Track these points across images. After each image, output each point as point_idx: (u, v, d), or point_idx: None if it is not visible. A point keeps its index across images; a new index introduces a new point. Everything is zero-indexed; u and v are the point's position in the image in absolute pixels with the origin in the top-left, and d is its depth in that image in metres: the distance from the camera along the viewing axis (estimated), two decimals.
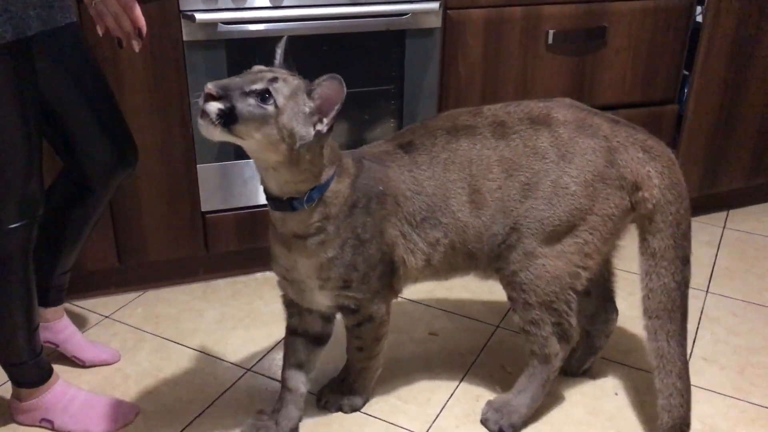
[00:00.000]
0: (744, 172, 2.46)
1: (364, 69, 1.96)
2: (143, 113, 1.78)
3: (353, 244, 1.36)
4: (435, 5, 1.89)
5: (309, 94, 1.22)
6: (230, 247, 2.02)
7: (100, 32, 1.33)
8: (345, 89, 1.20)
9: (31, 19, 1.22)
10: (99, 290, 2.00)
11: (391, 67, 1.98)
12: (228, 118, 1.15)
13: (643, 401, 1.64)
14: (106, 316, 1.92)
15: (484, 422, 1.56)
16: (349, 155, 1.39)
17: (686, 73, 2.28)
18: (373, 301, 1.45)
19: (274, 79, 1.19)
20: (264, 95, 1.17)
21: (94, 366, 1.72)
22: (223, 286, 2.08)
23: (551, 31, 2.04)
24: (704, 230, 2.45)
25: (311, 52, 1.89)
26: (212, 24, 1.74)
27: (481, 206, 1.43)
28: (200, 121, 1.16)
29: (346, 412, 1.60)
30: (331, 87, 1.21)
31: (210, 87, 1.14)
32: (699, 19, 2.22)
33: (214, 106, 1.14)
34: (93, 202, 1.56)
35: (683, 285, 1.51)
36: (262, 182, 1.31)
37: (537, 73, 2.09)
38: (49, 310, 1.65)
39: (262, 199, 1.98)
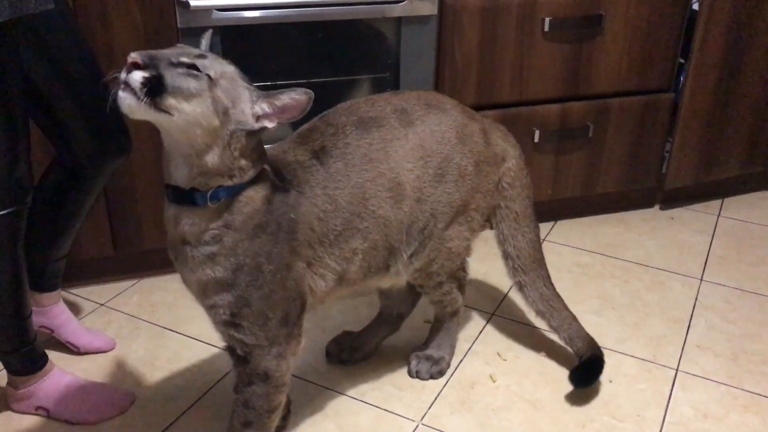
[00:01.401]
0: (739, 160, 2.46)
1: (359, 56, 1.95)
2: None
3: (250, 273, 1.18)
4: None
5: (271, 96, 1.13)
6: None
7: None
8: (309, 106, 1.12)
9: (2, 6, 1.19)
10: (94, 278, 2.00)
11: (386, 55, 1.97)
12: (155, 89, 1.02)
13: (637, 388, 1.65)
14: (102, 304, 1.92)
15: (416, 374, 1.66)
16: (269, 168, 1.23)
17: (682, 61, 2.27)
18: (270, 352, 1.24)
19: (202, 56, 1.09)
20: (194, 67, 1.06)
21: (89, 353, 1.72)
22: None
23: (547, 19, 2.03)
24: (699, 218, 2.45)
25: (307, 39, 1.88)
26: (207, 10, 1.73)
27: (402, 198, 1.38)
28: (121, 94, 1.02)
29: None
30: (295, 103, 1.12)
31: (134, 55, 1.01)
32: (695, 6, 2.21)
33: (138, 75, 1.01)
34: (87, 188, 1.55)
35: (539, 236, 1.70)
36: (166, 170, 1.16)
37: (533, 61, 2.08)
38: (45, 296, 1.65)
39: None
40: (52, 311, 1.68)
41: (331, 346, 1.73)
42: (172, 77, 1.03)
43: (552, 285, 1.69)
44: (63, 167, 1.54)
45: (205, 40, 1.21)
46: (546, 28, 2.04)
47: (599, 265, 2.15)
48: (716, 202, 2.56)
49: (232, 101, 1.10)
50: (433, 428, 1.53)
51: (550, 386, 1.66)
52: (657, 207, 2.51)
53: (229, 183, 1.15)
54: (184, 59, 1.06)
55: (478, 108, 2.08)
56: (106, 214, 1.87)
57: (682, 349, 1.79)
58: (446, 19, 1.95)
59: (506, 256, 1.67)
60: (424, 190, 1.41)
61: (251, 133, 1.14)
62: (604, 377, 1.68)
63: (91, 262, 1.95)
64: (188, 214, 1.15)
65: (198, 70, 1.06)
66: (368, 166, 1.34)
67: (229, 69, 1.13)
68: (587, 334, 1.67)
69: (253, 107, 1.13)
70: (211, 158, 1.11)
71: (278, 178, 1.23)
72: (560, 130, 2.20)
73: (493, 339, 1.82)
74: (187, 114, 1.06)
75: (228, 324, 1.23)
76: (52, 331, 1.69)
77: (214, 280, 1.19)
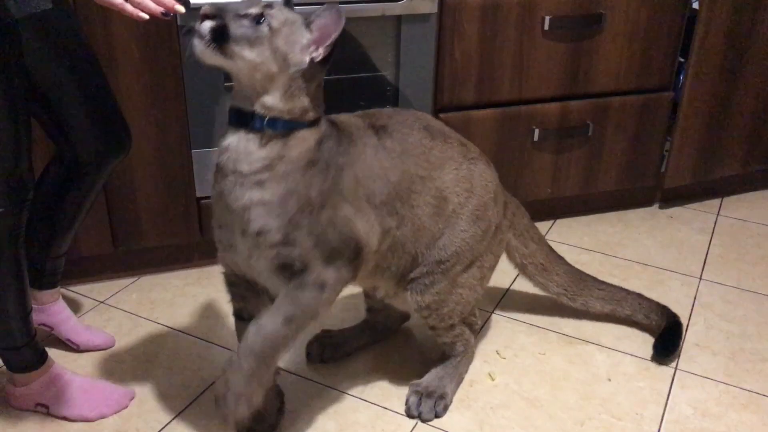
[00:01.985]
0: (739, 159, 2.46)
1: (359, 55, 1.95)
2: (138, 98, 1.78)
3: (300, 201, 1.23)
4: None
5: (307, 25, 1.20)
6: None
7: (143, 17, 1.20)
8: (343, 20, 1.17)
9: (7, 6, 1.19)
10: (94, 276, 2.00)
11: (386, 53, 1.97)
12: (220, 37, 1.14)
13: (635, 386, 1.66)
14: (101, 302, 1.93)
15: (419, 415, 1.53)
16: (327, 120, 1.32)
17: (682, 60, 2.27)
18: (328, 268, 1.27)
19: (270, 5, 1.19)
20: (258, 19, 1.16)
21: (89, 350, 1.72)
22: (217, 271, 2.05)
23: (547, 17, 2.03)
24: (698, 217, 2.46)
25: None
26: None
27: (441, 214, 1.42)
28: (194, 41, 1.15)
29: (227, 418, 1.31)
30: (328, 17, 1.19)
31: (205, 7, 1.14)
32: (695, 6, 2.21)
33: (207, 24, 1.14)
34: (86, 186, 1.55)
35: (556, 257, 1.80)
36: (234, 102, 1.24)
37: (533, 60, 2.08)
38: (44, 293, 1.65)
39: None
40: (52, 309, 1.68)
41: (312, 347, 1.71)
42: (236, 27, 1.14)
43: (602, 283, 1.83)
44: (63, 165, 1.54)
45: None
46: (546, 27, 2.04)
47: (598, 264, 2.15)
48: (715, 201, 2.56)
49: (292, 46, 1.18)
50: (432, 426, 1.54)
51: (548, 384, 1.66)
52: (656, 206, 2.52)
53: (293, 118, 1.22)
54: (251, 11, 1.16)
55: (477, 107, 2.10)
56: (105, 211, 1.87)
57: (681, 348, 1.79)
58: (446, 17, 1.95)
59: (551, 292, 1.79)
60: (460, 223, 1.44)
61: (310, 75, 1.21)
62: (602, 375, 1.69)
63: (91, 259, 1.95)
64: (245, 141, 1.21)
65: (264, 17, 1.16)
66: (423, 164, 1.40)
67: (292, 16, 1.20)
68: (657, 304, 1.80)
69: (308, 48, 1.20)
70: (272, 98, 1.20)
71: (333, 128, 1.31)
72: (560, 129, 2.20)
73: (492, 337, 1.82)
74: (247, 60, 1.16)
75: (281, 244, 1.23)
76: (52, 328, 1.69)
77: (261, 202, 1.22)
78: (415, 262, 1.45)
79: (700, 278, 2.10)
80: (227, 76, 1.83)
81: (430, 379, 1.60)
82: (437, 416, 1.55)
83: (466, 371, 1.66)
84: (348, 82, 1.97)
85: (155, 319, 1.86)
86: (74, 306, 1.90)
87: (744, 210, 2.51)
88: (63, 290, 1.93)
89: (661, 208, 2.51)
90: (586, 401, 1.61)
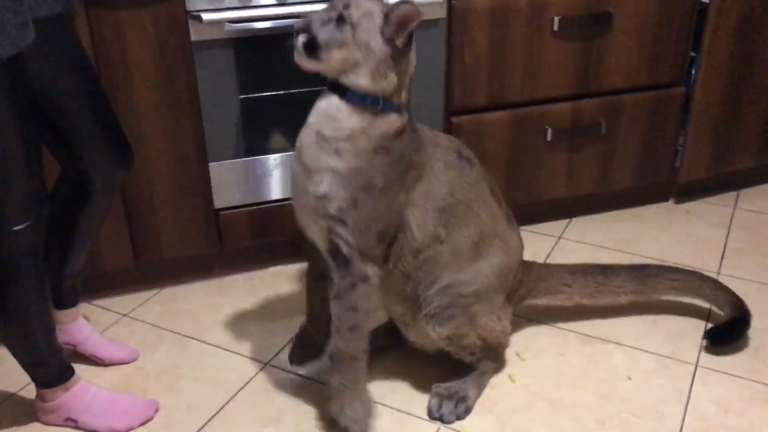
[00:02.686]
0: (753, 151, 2.45)
1: None
2: (154, 113, 1.80)
3: (366, 179, 1.35)
4: None
5: (386, 16, 1.30)
6: (244, 242, 2.04)
7: None
8: (419, 11, 1.28)
9: (18, 36, 1.22)
10: (116, 289, 2.03)
11: None
12: (312, 47, 1.31)
13: (656, 384, 1.66)
14: (125, 315, 1.96)
15: (440, 417, 1.56)
16: (409, 117, 1.43)
17: (693, 54, 2.27)
18: (367, 261, 1.40)
19: (347, 6, 1.31)
20: (339, 20, 1.29)
21: (113, 364, 1.75)
22: (238, 281, 2.11)
23: (556, 18, 2.03)
24: (714, 211, 2.45)
25: None
26: (219, 23, 1.76)
27: (476, 252, 1.52)
28: (294, 54, 1.33)
29: (350, 429, 1.50)
30: (405, 9, 1.28)
31: (297, 25, 1.33)
32: (705, 0, 2.21)
33: (300, 39, 1.32)
34: (94, 204, 1.57)
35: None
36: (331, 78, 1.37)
37: (543, 60, 2.09)
38: (64, 312, 1.68)
39: (274, 195, 2.01)
40: (73, 328, 1.70)
41: (293, 352, 1.72)
42: (323, 35, 1.30)
43: (669, 270, 1.86)
44: (70, 185, 1.55)
45: None
46: (555, 27, 2.04)
47: (616, 261, 2.14)
48: (731, 194, 2.55)
49: (373, 36, 1.30)
50: (454, 430, 1.55)
51: (569, 385, 1.67)
52: (672, 201, 2.51)
53: (385, 96, 1.34)
54: (332, 15, 1.30)
55: (489, 109, 2.10)
56: (126, 225, 1.90)
57: (701, 344, 1.79)
58: (455, 22, 1.96)
59: (624, 301, 1.84)
60: (486, 268, 1.53)
61: (395, 57, 1.32)
62: (622, 374, 1.69)
63: (113, 273, 1.98)
64: (336, 108, 1.34)
65: (344, 18, 1.29)
66: (483, 207, 1.53)
67: (369, 6, 1.31)
68: (734, 296, 1.81)
69: (388, 34, 1.31)
70: (364, 81, 1.32)
71: (412, 129, 1.42)
72: (572, 128, 2.20)
73: (512, 339, 1.83)
74: (337, 59, 1.31)
75: (335, 219, 1.36)
76: (75, 347, 1.72)
77: (332, 170, 1.34)
78: (434, 289, 1.50)
79: (719, 273, 2.09)
80: (241, 89, 1.86)
81: (453, 382, 1.62)
82: (458, 418, 1.57)
83: (490, 378, 1.67)
84: None
85: (178, 330, 1.89)
86: (98, 319, 1.93)
87: (761, 202, 2.50)
88: (86, 304, 1.97)
89: (676, 203, 2.51)
90: (606, 400, 1.62)
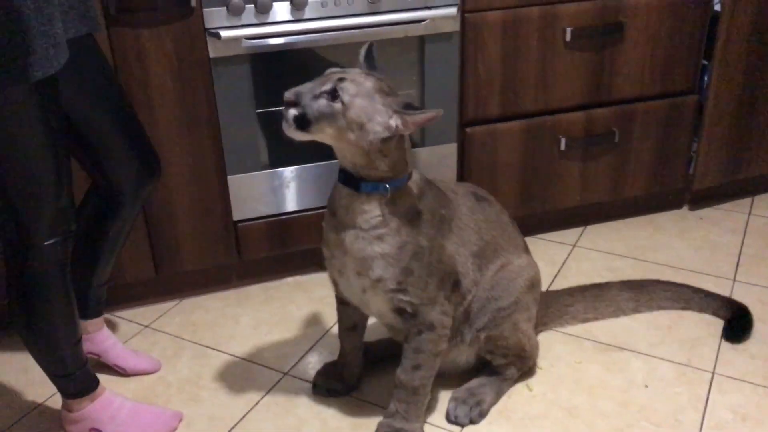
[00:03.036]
0: (767, 157, 2.45)
1: (384, 74, 1.99)
2: (174, 128, 1.84)
3: (412, 250, 1.40)
4: (452, 10, 1.92)
5: (406, 114, 1.30)
6: (262, 254, 2.07)
7: None
8: (439, 114, 1.31)
9: (52, 57, 1.24)
10: (138, 301, 2.07)
11: (411, 72, 2.01)
12: (302, 121, 1.30)
13: (673, 392, 1.67)
14: (146, 326, 1.99)
15: (455, 419, 1.60)
16: (417, 172, 1.47)
17: (705, 62, 2.28)
18: (434, 308, 1.46)
19: (342, 79, 1.31)
20: (333, 94, 1.29)
21: (136, 374, 1.78)
22: (256, 292, 2.14)
23: (569, 29, 2.05)
24: (729, 217, 2.45)
25: (334, 61, 1.93)
26: (237, 40, 1.79)
27: (501, 272, 1.57)
28: (283, 125, 1.32)
29: None
30: (429, 119, 1.31)
31: (287, 95, 1.31)
32: (717, 8, 2.22)
33: (290, 113, 1.31)
34: (124, 214, 1.61)
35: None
36: (340, 163, 1.40)
37: (556, 71, 2.11)
38: (90, 322, 1.71)
39: (291, 207, 2.04)
40: (98, 337, 1.74)
41: (317, 378, 1.74)
42: (313, 110, 1.29)
43: (665, 283, 1.97)
44: (99, 196, 1.60)
45: (363, 51, 1.44)
46: (567, 38, 2.06)
47: (630, 269, 2.16)
48: (746, 201, 2.55)
49: (368, 117, 1.30)
50: None
51: (586, 393, 1.68)
52: (686, 208, 2.52)
53: (391, 177, 1.37)
54: (325, 88, 1.29)
55: (503, 119, 2.12)
56: (146, 238, 1.94)
57: (718, 351, 1.80)
58: (468, 35, 1.99)
59: (626, 312, 1.95)
60: (516, 282, 1.59)
61: (391, 138, 1.33)
62: (639, 382, 1.70)
63: (134, 285, 2.02)
64: (358, 202, 1.38)
65: (337, 92, 1.28)
66: (504, 242, 1.59)
67: (367, 86, 1.32)
68: (727, 300, 1.92)
69: (388, 120, 1.32)
70: (360, 160, 1.35)
71: (429, 183, 1.48)
72: (586, 137, 2.22)
73: None
74: (327, 134, 1.32)
75: (395, 291, 1.43)
76: (99, 356, 1.75)
77: (381, 255, 1.40)
78: (470, 319, 1.57)
79: (734, 279, 2.10)
80: (258, 103, 1.89)
81: (470, 385, 1.65)
82: (472, 422, 1.60)
83: (509, 387, 1.69)
84: None
85: (198, 341, 1.92)
86: (120, 331, 1.97)
87: None
88: (109, 316, 2.01)
89: (691, 209, 2.51)
90: (623, 408, 1.63)
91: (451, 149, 2.13)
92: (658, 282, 1.98)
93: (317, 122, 1.30)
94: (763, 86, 2.31)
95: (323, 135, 1.33)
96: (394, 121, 1.31)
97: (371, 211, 1.38)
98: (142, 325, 1.99)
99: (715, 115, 2.29)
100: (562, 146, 2.20)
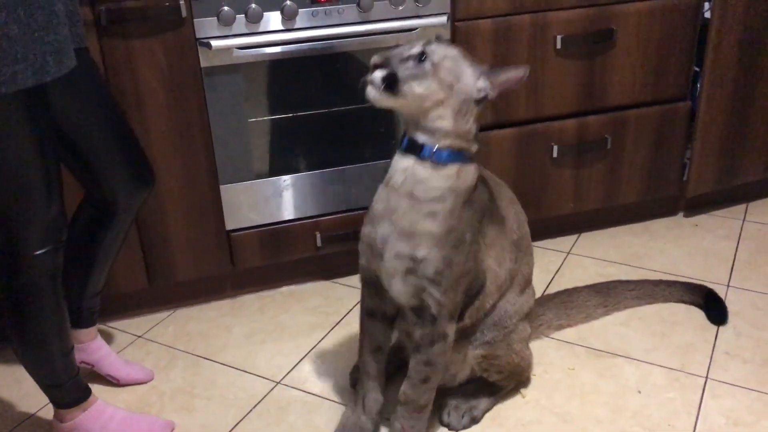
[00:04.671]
0: (761, 163, 2.46)
1: None
2: (166, 138, 1.85)
3: (457, 237, 1.35)
4: (443, 19, 1.93)
5: (492, 74, 1.31)
6: (255, 263, 2.07)
7: None
8: (526, 77, 1.33)
9: (48, 65, 1.25)
10: (131, 311, 2.07)
11: None
12: (391, 82, 1.28)
13: (666, 398, 1.66)
14: (139, 336, 1.99)
15: (448, 425, 1.60)
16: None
17: (697, 69, 2.29)
18: (451, 319, 1.42)
19: (429, 42, 1.32)
20: (421, 57, 1.29)
21: (129, 384, 1.78)
22: (250, 301, 2.14)
23: (559, 36, 2.06)
24: (723, 224, 2.45)
25: (325, 70, 1.94)
26: (228, 50, 1.80)
27: (527, 284, 1.60)
28: (368, 89, 1.30)
29: None
30: (515, 77, 1.32)
31: (374, 58, 1.31)
32: (707, 14, 2.23)
33: (378, 74, 1.29)
34: (117, 224, 1.62)
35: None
36: (408, 131, 1.37)
37: (547, 79, 2.12)
38: (83, 332, 1.71)
39: (284, 216, 2.04)
40: (91, 346, 1.74)
41: (355, 374, 1.74)
42: (403, 70, 1.29)
43: (629, 282, 2.02)
44: (93, 206, 1.60)
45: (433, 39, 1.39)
46: (558, 46, 2.07)
47: (624, 276, 2.16)
48: (740, 207, 2.56)
49: (457, 77, 1.30)
50: None
51: (579, 399, 1.68)
52: (680, 215, 2.52)
53: (464, 146, 1.34)
54: (414, 51, 1.30)
55: (495, 127, 2.13)
56: (139, 248, 1.94)
57: (711, 357, 1.80)
58: (459, 42, 1.99)
59: (597, 316, 1.96)
60: (527, 298, 1.59)
61: (479, 102, 1.33)
62: (632, 388, 1.70)
63: (128, 295, 2.02)
64: (421, 168, 1.33)
65: (426, 54, 1.28)
66: (527, 240, 1.59)
67: (453, 52, 1.32)
68: (687, 286, 2.00)
69: (476, 82, 1.32)
70: (446, 123, 1.32)
71: (481, 175, 1.44)
72: (578, 144, 2.22)
73: None
74: (417, 95, 1.29)
75: (430, 281, 1.36)
76: (93, 365, 1.75)
77: (430, 234, 1.34)
78: (481, 329, 1.54)
79: (728, 285, 2.10)
80: (250, 113, 1.90)
81: (465, 390, 1.63)
82: (464, 427, 1.60)
83: (503, 396, 1.67)
84: (366, 111, 2.02)
85: (192, 351, 1.92)
86: (113, 341, 1.96)
87: None
88: (102, 326, 2.01)
89: (685, 216, 2.51)
90: (617, 414, 1.63)
91: None
92: (621, 282, 2.03)
93: (407, 82, 1.28)
94: (754, 93, 2.31)
95: (410, 98, 1.29)
96: (483, 82, 1.31)
97: (431, 181, 1.33)
98: (135, 335, 1.99)
99: (707, 121, 2.30)
100: (555, 153, 2.20)
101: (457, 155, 1.34)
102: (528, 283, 1.61)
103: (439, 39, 1.38)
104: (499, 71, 1.32)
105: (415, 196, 1.34)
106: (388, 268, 1.40)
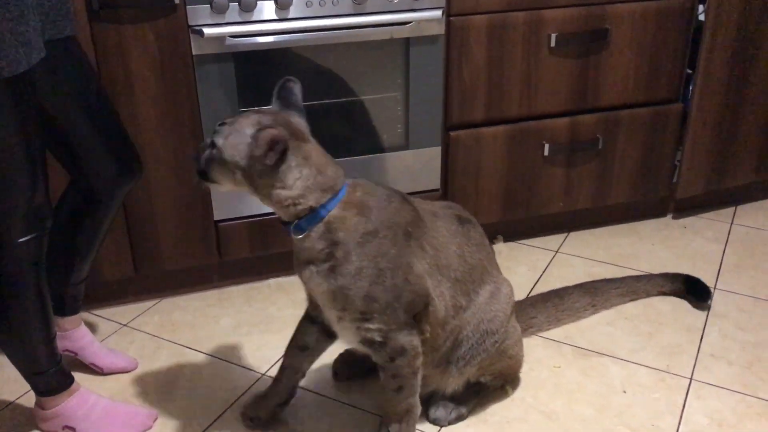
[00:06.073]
0: (751, 167, 2.47)
1: (369, 77, 2.00)
2: (156, 126, 1.83)
3: (371, 274, 1.33)
4: (437, 13, 1.93)
5: (254, 137, 1.27)
6: (243, 254, 2.06)
7: None
8: (267, 139, 1.24)
9: (20, 56, 1.24)
10: (116, 299, 2.05)
11: (396, 75, 2.01)
12: (203, 174, 1.36)
13: (651, 398, 1.67)
14: (124, 324, 1.97)
15: (434, 421, 1.60)
16: (374, 186, 1.40)
17: (689, 71, 2.29)
18: (402, 332, 1.40)
19: (222, 124, 1.33)
20: (212, 144, 1.32)
21: (113, 373, 1.77)
22: (236, 292, 2.13)
23: (554, 35, 2.06)
24: (711, 227, 2.46)
25: (318, 62, 1.93)
26: (220, 38, 1.79)
27: (492, 302, 1.53)
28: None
29: None
30: (260, 138, 1.25)
31: (193, 155, 1.38)
32: (701, 17, 2.23)
33: (195, 165, 1.37)
34: (102, 212, 1.60)
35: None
36: None
37: (540, 77, 2.11)
38: (67, 319, 1.70)
39: None
40: (75, 334, 1.72)
41: (337, 365, 1.75)
42: (202, 163, 1.34)
43: (614, 281, 2.05)
44: (78, 194, 1.59)
45: (276, 88, 1.41)
46: (552, 44, 2.07)
47: (612, 276, 2.15)
48: (729, 210, 2.57)
49: (238, 156, 1.29)
50: None
51: (564, 397, 1.68)
52: (670, 216, 2.53)
53: (309, 204, 1.32)
54: (207, 140, 1.34)
55: (487, 124, 2.13)
56: (126, 236, 1.92)
57: (696, 358, 1.80)
58: (453, 38, 1.99)
59: (586, 315, 1.98)
60: (501, 305, 1.55)
61: (272, 171, 1.28)
62: (618, 387, 1.70)
63: (113, 283, 2.00)
64: (300, 241, 1.35)
65: (213, 141, 1.31)
66: (491, 262, 1.55)
67: (242, 123, 1.30)
68: (665, 276, 2.06)
69: (254, 151, 1.28)
70: (265, 200, 1.34)
71: (384, 195, 1.39)
72: (570, 143, 2.22)
73: None
74: (220, 183, 1.35)
75: (361, 320, 1.37)
76: (76, 353, 1.73)
77: (337, 287, 1.35)
78: (463, 349, 1.53)
79: (715, 287, 2.10)
80: (241, 102, 1.89)
81: (453, 393, 1.61)
82: (450, 423, 1.60)
83: (489, 393, 1.67)
84: (358, 104, 2.02)
85: (177, 341, 1.90)
86: (98, 329, 1.95)
87: (758, 218, 2.52)
88: (87, 314, 1.99)
89: (674, 218, 2.52)
90: (601, 413, 1.63)
91: (435, 153, 2.13)
92: (607, 281, 2.04)
93: (212, 172, 1.33)
94: (746, 97, 2.32)
95: (224, 185, 1.35)
96: (261, 155, 1.26)
97: (313, 246, 1.34)
98: (120, 323, 1.98)
99: (699, 124, 2.31)
100: (546, 152, 2.20)
101: (311, 218, 1.32)
102: (495, 298, 1.54)
103: (273, 101, 1.39)
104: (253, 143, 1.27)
105: (312, 262, 1.36)
106: (328, 318, 1.47)
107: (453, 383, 1.57)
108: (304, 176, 1.31)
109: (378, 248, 1.33)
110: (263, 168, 1.27)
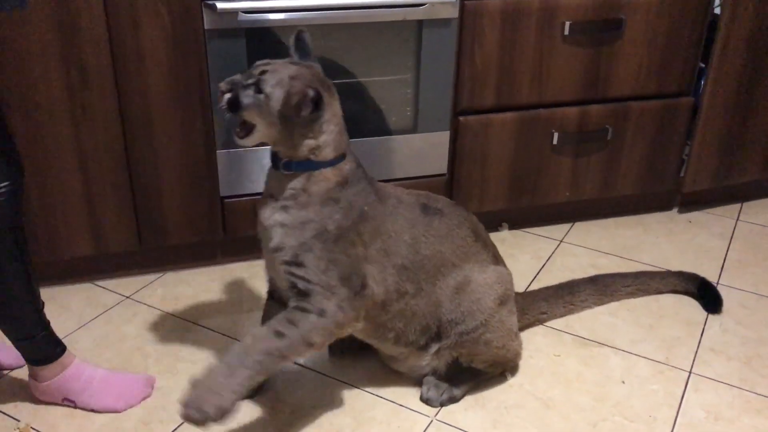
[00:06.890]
0: (759, 164, 2.46)
1: (381, 58, 1.99)
2: (165, 99, 1.83)
3: (315, 228, 1.40)
4: None
5: (287, 94, 1.37)
6: (247, 231, 2.06)
7: None
8: (306, 89, 1.35)
9: None
10: (120, 271, 2.06)
11: (407, 57, 2.00)
12: (235, 107, 1.40)
13: (649, 389, 1.67)
14: (127, 297, 1.98)
15: (427, 401, 1.62)
16: (357, 166, 1.47)
17: (702, 65, 2.28)
18: (332, 299, 1.39)
19: (263, 72, 1.39)
20: (257, 86, 1.38)
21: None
22: (240, 269, 2.13)
23: (568, 22, 2.05)
24: (717, 222, 2.46)
25: (330, 41, 1.92)
26: (233, 13, 1.78)
27: (461, 294, 1.54)
28: (223, 110, 1.42)
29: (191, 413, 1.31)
30: (308, 96, 1.36)
31: (221, 85, 1.41)
32: (717, 11, 2.22)
33: (225, 97, 1.40)
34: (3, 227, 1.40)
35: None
36: (271, 146, 1.47)
37: (553, 64, 2.10)
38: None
39: None
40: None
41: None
42: (243, 98, 1.39)
43: (623, 277, 2.02)
44: None
45: (292, 39, 1.48)
46: (566, 32, 2.06)
47: (615, 267, 2.16)
48: (735, 206, 2.56)
49: (284, 104, 1.36)
50: (447, 424, 1.57)
51: (562, 385, 1.68)
52: (675, 210, 2.52)
53: (311, 158, 1.41)
54: (250, 81, 1.38)
55: (497, 110, 2.12)
56: (132, 209, 1.93)
57: (696, 352, 1.81)
58: (467, 22, 1.98)
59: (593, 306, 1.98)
60: (482, 302, 1.55)
61: (307, 122, 1.38)
62: (616, 378, 1.71)
63: (117, 255, 2.01)
64: (277, 176, 1.45)
65: (260, 84, 1.37)
66: (460, 254, 1.54)
67: (282, 76, 1.38)
68: (681, 276, 2.03)
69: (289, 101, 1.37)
70: (281, 147, 1.43)
71: (365, 181, 1.47)
72: (579, 133, 2.22)
73: None
74: (256, 121, 1.41)
75: (290, 263, 1.42)
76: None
77: (281, 224, 1.43)
78: (437, 334, 1.56)
79: (718, 283, 2.10)
80: None
81: (448, 370, 1.62)
82: (442, 405, 1.61)
83: (488, 379, 1.68)
84: (368, 85, 2.01)
85: (179, 314, 1.91)
86: (101, 300, 1.96)
87: (764, 215, 2.51)
88: (90, 285, 2.00)
89: (680, 212, 2.51)
90: (599, 403, 1.63)
91: (443, 137, 2.12)
92: (620, 276, 2.01)
93: (247, 109, 1.39)
94: (757, 93, 2.31)
95: (254, 121, 1.41)
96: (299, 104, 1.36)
97: (284, 183, 1.43)
98: (123, 295, 1.99)
99: (709, 119, 2.30)
100: (555, 140, 2.19)
101: (305, 164, 1.42)
102: (462, 293, 1.54)
103: (291, 52, 1.48)
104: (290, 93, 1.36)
105: (273, 197, 1.45)
106: (266, 262, 1.54)
107: (431, 363, 1.60)
108: (330, 131, 1.43)
109: (331, 213, 1.41)
110: (301, 120, 1.37)
